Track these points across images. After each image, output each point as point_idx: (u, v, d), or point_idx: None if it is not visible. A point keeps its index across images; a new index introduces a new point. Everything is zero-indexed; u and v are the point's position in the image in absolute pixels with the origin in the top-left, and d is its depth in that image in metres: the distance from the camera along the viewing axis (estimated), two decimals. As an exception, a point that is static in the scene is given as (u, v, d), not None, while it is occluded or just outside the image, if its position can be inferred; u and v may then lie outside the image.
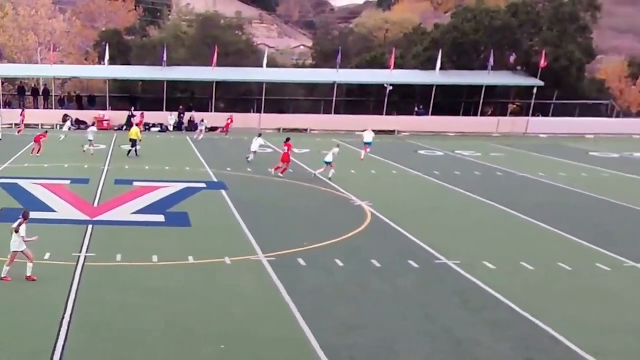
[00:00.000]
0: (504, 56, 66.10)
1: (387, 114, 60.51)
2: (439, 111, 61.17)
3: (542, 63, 59.16)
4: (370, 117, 60.25)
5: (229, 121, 54.75)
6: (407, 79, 63.14)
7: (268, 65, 63.65)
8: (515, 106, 68.18)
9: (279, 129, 57.87)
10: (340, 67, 63.18)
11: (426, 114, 61.42)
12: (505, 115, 65.15)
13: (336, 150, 33.89)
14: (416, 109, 63.19)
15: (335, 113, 61.74)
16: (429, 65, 63.36)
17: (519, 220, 25.51)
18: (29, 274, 17.39)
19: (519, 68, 66.59)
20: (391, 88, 60.36)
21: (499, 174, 36.49)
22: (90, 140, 39.89)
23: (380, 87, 61.61)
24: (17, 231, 17.10)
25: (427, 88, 61.23)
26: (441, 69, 61.55)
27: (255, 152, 38.36)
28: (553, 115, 63.47)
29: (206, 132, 52.32)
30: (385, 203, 27.64)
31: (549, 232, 23.62)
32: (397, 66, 63.12)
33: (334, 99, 61.45)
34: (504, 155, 44.05)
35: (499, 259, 19.89)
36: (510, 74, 64.89)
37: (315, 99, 67.36)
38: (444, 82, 61.39)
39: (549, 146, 50.43)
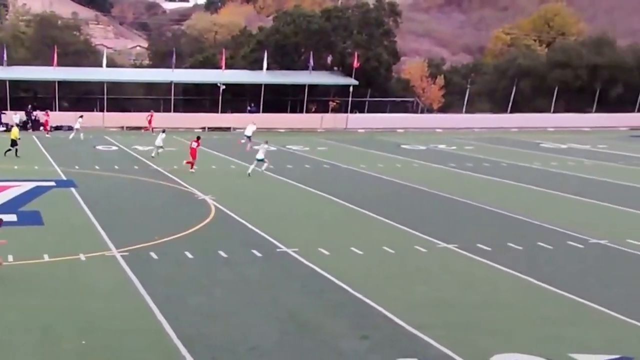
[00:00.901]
0: (322, 57, 67.40)
1: (222, 112, 60.19)
2: (268, 108, 61.50)
3: (355, 64, 60.75)
4: (207, 115, 59.86)
5: (150, 117, 52.76)
6: (237, 79, 63.13)
7: (107, 65, 61.83)
8: (335, 103, 69.76)
9: (122, 127, 56.31)
10: (176, 67, 62.32)
11: (257, 111, 61.59)
12: (327, 112, 66.55)
13: (265, 146, 33.68)
14: (248, 106, 63.27)
15: (174, 111, 60.73)
16: (256, 65, 63.62)
17: (346, 208, 26.09)
18: None
19: (335, 68, 68.08)
20: (224, 87, 60.06)
21: (326, 166, 37.17)
22: None
23: (214, 86, 61.19)
24: None
25: (257, 87, 61.49)
26: (267, 69, 61.98)
27: (160, 147, 37.85)
28: (368, 112, 65.60)
29: (53, 130, 50.06)
30: (226, 196, 27.51)
31: (373, 218, 24.32)
32: (228, 66, 63.06)
33: (172, 97, 60.41)
34: (328, 149, 44.95)
35: (332, 245, 20.22)
36: (329, 74, 66.27)
37: (154, 97, 65.92)
38: (271, 82, 61.90)
39: (367, 140, 51.94)
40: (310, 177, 33.32)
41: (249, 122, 45.57)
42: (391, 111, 67.98)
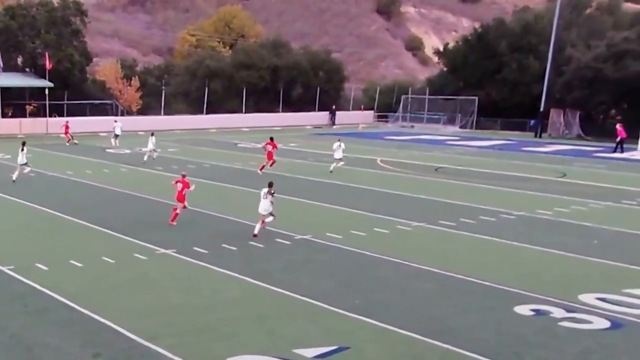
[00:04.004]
0: (12, 58, 63.00)
1: None
2: (-40, 114, 55.74)
3: (47, 65, 57.41)
4: None
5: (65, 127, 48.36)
6: None
7: None
8: (32, 107, 65.07)
9: None
10: None
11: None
12: (25, 116, 61.90)
13: (342, 145, 35.54)
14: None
15: None
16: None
17: (59, 219, 24.55)
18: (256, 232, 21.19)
19: (27, 70, 63.91)
20: None
21: (31, 174, 34.49)
22: None
23: None
24: (266, 197, 20.64)
25: (-56, 90, 55.38)
26: (-47, 70, 56.19)
27: (154, 150, 39.24)
28: (68, 115, 61.89)
29: None
30: None
31: (88, 228, 23.07)
32: None
33: None
34: (32, 156, 41.57)
35: (49, 259, 18.86)
36: (22, 76, 62.10)
37: None
38: (-41, 84, 56.27)
39: (73, 146, 49.04)
40: (17, 186, 30.75)
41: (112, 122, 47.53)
42: (91, 114, 65.12)
